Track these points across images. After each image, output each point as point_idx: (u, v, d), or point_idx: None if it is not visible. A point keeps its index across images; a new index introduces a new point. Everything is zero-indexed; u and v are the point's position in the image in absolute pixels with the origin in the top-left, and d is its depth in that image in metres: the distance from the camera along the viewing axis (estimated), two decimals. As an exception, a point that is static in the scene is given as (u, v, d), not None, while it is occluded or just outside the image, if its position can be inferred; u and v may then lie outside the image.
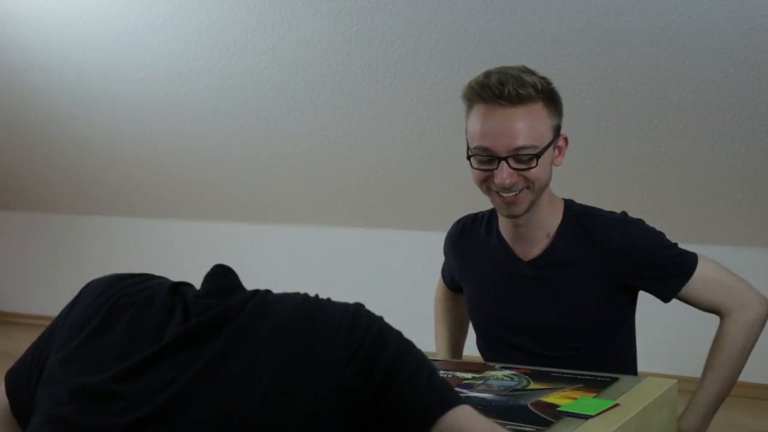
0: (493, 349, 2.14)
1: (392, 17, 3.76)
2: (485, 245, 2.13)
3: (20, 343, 1.75)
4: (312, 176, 4.67)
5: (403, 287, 4.65)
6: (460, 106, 2.01)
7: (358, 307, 1.28)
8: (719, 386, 2.05)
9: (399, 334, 1.27)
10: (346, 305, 1.27)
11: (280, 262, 4.98)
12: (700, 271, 2.03)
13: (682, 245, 2.08)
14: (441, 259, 2.33)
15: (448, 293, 2.37)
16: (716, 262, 2.08)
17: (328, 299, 1.30)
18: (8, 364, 1.42)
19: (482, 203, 2.14)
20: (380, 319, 1.27)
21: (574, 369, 1.92)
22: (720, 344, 2.05)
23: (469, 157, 1.95)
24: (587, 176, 3.98)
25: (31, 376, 1.34)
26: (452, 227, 2.24)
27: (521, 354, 2.06)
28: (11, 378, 1.39)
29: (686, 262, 2.04)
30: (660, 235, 2.06)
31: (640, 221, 2.07)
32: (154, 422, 1.18)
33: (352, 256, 4.89)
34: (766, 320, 2.07)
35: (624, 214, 2.07)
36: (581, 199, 2.17)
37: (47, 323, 1.40)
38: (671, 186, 3.97)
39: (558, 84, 2.01)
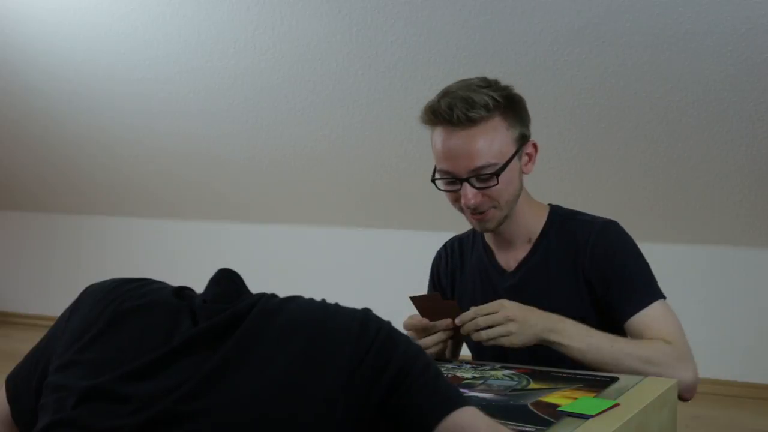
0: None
1: (392, 17, 3.76)
2: (471, 258, 2.14)
3: (18, 343, 1.75)
4: (312, 176, 4.67)
5: (404, 287, 4.64)
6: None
7: (366, 312, 1.28)
8: (605, 347, 1.86)
9: (407, 338, 1.28)
10: (354, 311, 1.28)
11: (279, 262, 4.98)
12: (661, 308, 1.93)
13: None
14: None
15: None
16: (677, 319, 1.95)
17: (336, 304, 1.30)
18: (6, 364, 1.42)
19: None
20: (388, 324, 1.28)
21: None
22: (643, 342, 1.89)
23: (433, 180, 1.95)
24: (587, 176, 3.97)
25: (31, 381, 1.34)
26: (436, 253, 2.24)
27: (516, 364, 2.02)
28: (11, 384, 1.39)
29: (653, 287, 1.96)
30: (636, 250, 1.99)
31: (623, 232, 2.00)
32: (165, 423, 1.19)
33: (353, 256, 4.88)
34: (686, 389, 1.86)
35: (613, 221, 2.02)
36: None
37: (44, 323, 1.40)
38: (671, 186, 3.96)
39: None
